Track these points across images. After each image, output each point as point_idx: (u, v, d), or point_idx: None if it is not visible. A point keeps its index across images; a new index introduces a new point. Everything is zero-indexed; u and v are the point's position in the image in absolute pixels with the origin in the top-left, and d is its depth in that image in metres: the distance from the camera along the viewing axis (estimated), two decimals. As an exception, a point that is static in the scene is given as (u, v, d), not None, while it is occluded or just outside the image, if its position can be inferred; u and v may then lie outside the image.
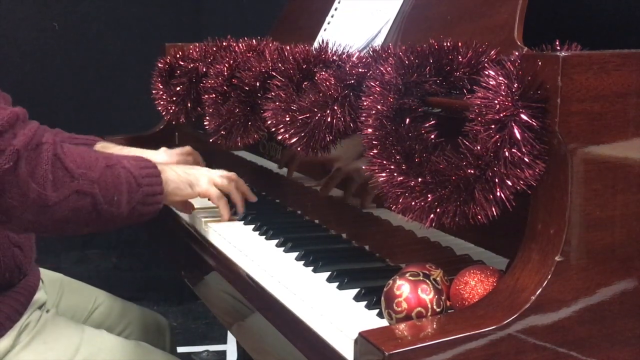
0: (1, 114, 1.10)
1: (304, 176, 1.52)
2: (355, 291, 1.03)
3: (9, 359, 1.29)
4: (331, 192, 1.37)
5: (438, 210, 0.89)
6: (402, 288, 0.88)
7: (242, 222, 1.41)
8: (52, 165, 1.12)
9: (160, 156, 1.61)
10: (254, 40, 1.58)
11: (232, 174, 1.45)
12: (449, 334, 0.77)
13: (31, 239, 1.42)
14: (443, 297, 0.89)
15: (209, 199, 1.42)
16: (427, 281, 0.88)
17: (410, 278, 0.89)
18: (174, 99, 1.65)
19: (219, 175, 1.41)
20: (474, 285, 0.88)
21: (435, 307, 0.87)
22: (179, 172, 1.35)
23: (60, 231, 1.23)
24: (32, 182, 1.09)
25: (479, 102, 0.84)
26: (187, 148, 1.68)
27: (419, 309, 0.86)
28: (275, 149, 1.61)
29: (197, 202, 1.55)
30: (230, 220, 1.42)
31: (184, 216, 1.53)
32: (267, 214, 1.46)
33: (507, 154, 0.81)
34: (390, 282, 0.90)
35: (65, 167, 1.13)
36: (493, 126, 0.82)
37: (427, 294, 0.87)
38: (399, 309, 0.87)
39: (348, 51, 1.25)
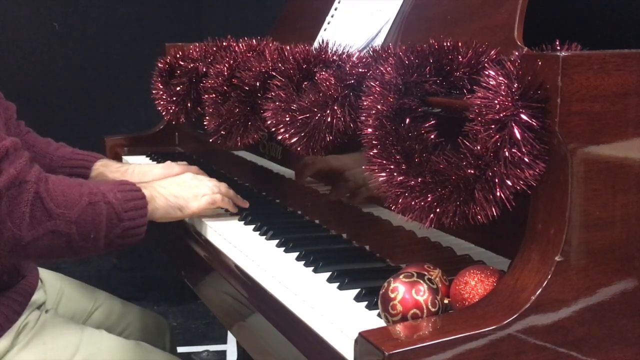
0: None
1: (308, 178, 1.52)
2: (355, 291, 1.02)
3: (8, 359, 1.29)
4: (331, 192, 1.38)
5: (438, 210, 0.90)
6: (396, 290, 0.88)
7: (243, 222, 1.41)
8: (32, 206, 1.14)
9: (157, 171, 1.59)
10: (254, 40, 1.58)
11: (222, 184, 1.43)
12: (449, 334, 0.77)
13: None
14: (439, 297, 0.89)
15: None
16: (421, 281, 0.88)
17: (404, 280, 0.89)
18: (174, 99, 1.65)
19: (209, 187, 1.40)
20: (474, 285, 0.88)
21: (430, 307, 0.87)
22: (168, 198, 1.35)
23: (34, 261, 1.31)
24: (9, 221, 1.12)
25: (479, 102, 0.84)
26: (193, 167, 1.63)
27: (414, 310, 0.87)
28: (275, 149, 1.61)
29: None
30: (235, 210, 1.42)
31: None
32: (267, 214, 1.46)
33: (507, 154, 0.81)
34: (385, 284, 0.90)
35: (44, 206, 1.15)
36: (493, 126, 0.82)
37: (421, 295, 0.87)
38: (394, 311, 0.87)
39: (348, 51, 1.25)
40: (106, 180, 1.33)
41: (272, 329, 1.04)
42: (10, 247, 1.14)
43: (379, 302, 0.90)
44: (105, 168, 1.61)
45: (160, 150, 2.06)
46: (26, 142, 1.60)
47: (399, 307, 0.87)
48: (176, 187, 1.38)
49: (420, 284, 0.88)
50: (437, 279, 0.92)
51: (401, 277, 0.89)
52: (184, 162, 1.66)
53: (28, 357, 1.31)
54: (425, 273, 0.92)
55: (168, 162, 1.64)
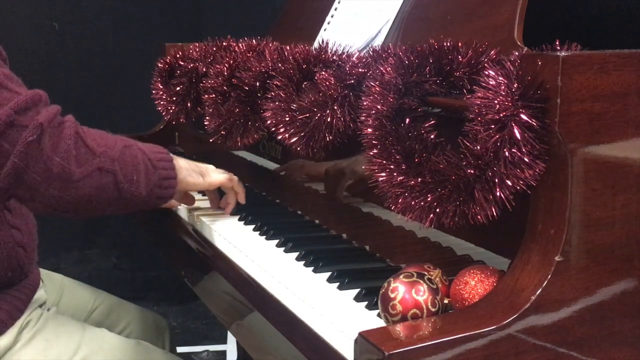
0: (25, 92, 1.13)
1: (305, 177, 1.52)
2: (355, 291, 1.03)
3: (10, 356, 1.30)
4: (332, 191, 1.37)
5: (438, 210, 0.90)
6: (396, 290, 0.88)
7: (243, 222, 1.41)
8: (75, 142, 1.14)
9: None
10: (254, 40, 1.58)
11: (233, 175, 1.47)
12: (449, 334, 0.77)
13: (34, 240, 1.42)
14: (438, 297, 0.89)
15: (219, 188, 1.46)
16: (421, 281, 0.88)
17: (404, 280, 0.89)
18: (174, 99, 1.65)
19: (222, 171, 1.44)
20: (474, 285, 0.88)
21: (430, 307, 0.87)
22: (189, 163, 1.39)
23: (83, 210, 1.20)
24: (56, 156, 1.11)
25: (479, 102, 0.84)
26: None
27: (414, 310, 0.87)
28: (275, 149, 1.61)
29: (197, 203, 1.55)
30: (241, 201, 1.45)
31: (184, 216, 1.54)
32: (267, 214, 1.46)
33: (507, 153, 0.81)
34: (385, 284, 0.90)
35: (86, 144, 1.16)
36: (493, 126, 0.82)
37: (421, 295, 0.87)
38: (394, 311, 0.87)
39: (348, 51, 1.25)
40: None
41: (272, 329, 1.04)
42: (61, 184, 1.12)
43: (379, 302, 0.90)
44: None
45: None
46: None
47: (399, 307, 0.87)
48: (195, 163, 1.42)
49: (420, 284, 0.88)
50: (437, 279, 0.92)
51: (401, 277, 0.89)
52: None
53: (30, 354, 1.31)
54: (425, 273, 0.92)
55: None
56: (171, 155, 1.32)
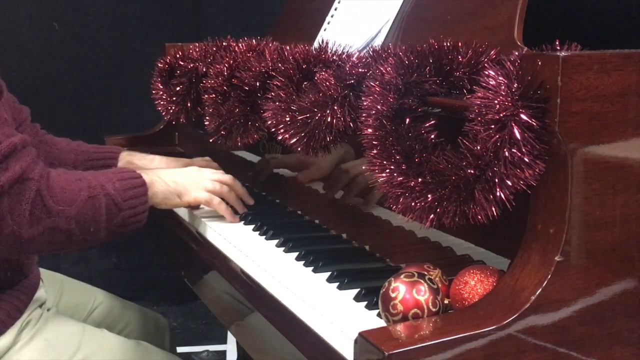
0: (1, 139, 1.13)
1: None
2: (355, 291, 1.02)
3: (10, 355, 1.30)
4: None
5: (438, 210, 0.89)
6: (397, 290, 0.88)
7: (242, 222, 1.41)
8: (32, 204, 1.15)
9: (179, 164, 1.63)
10: (254, 40, 1.58)
11: (227, 178, 1.45)
12: (449, 334, 0.77)
13: None
14: (439, 297, 0.89)
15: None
16: (422, 281, 0.88)
17: (405, 279, 0.89)
18: (174, 99, 1.65)
19: (210, 180, 1.42)
20: (474, 285, 0.88)
21: (431, 307, 0.87)
22: (168, 183, 1.37)
23: (34, 255, 1.35)
24: (10, 218, 1.13)
25: (478, 102, 0.84)
26: (207, 159, 1.69)
27: (415, 310, 0.87)
28: (275, 149, 1.61)
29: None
30: (233, 218, 1.42)
31: (184, 216, 1.53)
32: (267, 214, 1.46)
33: (507, 153, 0.81)
34: (386, 284, 0.90)
35: (45, 204, 1.16)
36: (493, 126, 0.82)
37: (422, 295, 0.87)
38: (395, 311, 0.87)
39: (348, 51, 1.25)
40: (106, 170, 1.34)
41: (272, 329, 1.04)
42: (10, 243, 1.15)
43: (380, 301, 0.90)
44: (132, 157, 1.65)
45: (160, 151, 2.06)
46: (46, 142, 1.63)
47: (400, 307, 0.87)
48: (177, 175, 1.41)
49: (421, 284, 0.88)
50: (437, 279, 0.92)
51: (402, 276, 0.89)
52: (208, 158, 1.70)
53: (30, 354, 1.31)
54: (426, 273, 0.92)
55: (191, 160, 1.68)
56: (148, 181, 1.32)
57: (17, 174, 1.13)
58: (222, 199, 1.42)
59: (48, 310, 1.43)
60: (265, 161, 1.64)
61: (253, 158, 1.76)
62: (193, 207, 1.47)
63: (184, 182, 1.39)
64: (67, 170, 1.27)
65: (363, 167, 1.13)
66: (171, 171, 1.43)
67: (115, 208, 1.25)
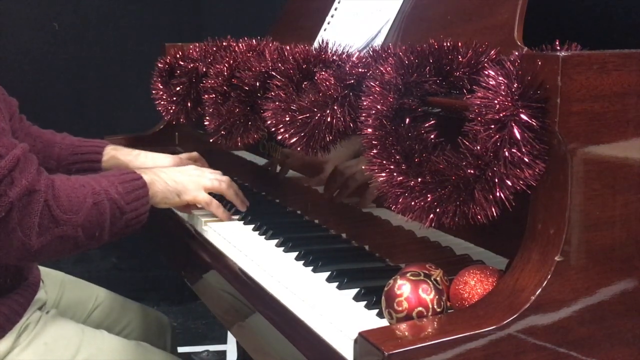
0: (1, 160, 1.13)
1: (303, 176, 1.52)
2: (355, 291, 1.02)
3: None
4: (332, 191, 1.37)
5: (438, 210, 0.89)
6: (403, 288, 0.88)
7: (242, 222, 1.41)
8: (40, 216, 1.16)
9: (166, 160, 1.63)
10: (254, 40, 1.58)
11: (225, 178, 1.45)
12: (449, 334, 0.77)
13: None
14: (444, 297, 0.89)
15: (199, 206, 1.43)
16: (428, 281, 0.88)
17: (412, 278, 0.88)
18: (174, 99, 1.65)
19: (210, 179, 1.43)
20: (474, 285, 0.87)
21: (435, 307, 0.87)
22: (167, 182, 1.38)
23: (43, 262, 1.40)
24: (19, 231, 1.14)
25: (478, 102, 0.84)
26: (194, 154, 1.69)
27: (420, 308, 0.86)
28: (275, 149, 1.61)
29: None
30: (229, 219, 1.42)
31: (184, 216, 1.53)
32: (267, 213, 1.46)
33: (507, 153, 0.81)
34: (391, 281, 0.90)
35: (52, 214, 1.17)
36: (493, 126, 0.82)
37: (427, 294, 0.87)
38: (400, 308, 0.87)
39: (348, 51, 1.25)
40: (107, 172, 1.34)
41: (272, 329, 1.04)
42: (20, 255, 1.16)
43: (383, 299, 0.90)
44: (117, 151, 1.65)
45: (160, 151, 2.06)
46: (31, 134, 1.62)
47: (405, 304, 0.87)
48: (177, 174, 1.41)
49: (427, 283, 0.88)
50: (439, 279, 0.92)
51: (408, 274, 0.89)
52: (195, 153, 1.69)
53: (29, 358, 1.30)
54: (430, 273, 0.92)
55: (178, 156, 1.68)
56: (149, 181, 1.32)
57: (24, 187, 1.14)
58: (222, 196, 1.43)
59: (47, 313, 1.43)
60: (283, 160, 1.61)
61: (253, 158, 1.76)
62: (191, 206, 1.47)
63: (183, 180, 1.40)
64: (67, 176, 1.27)
65: (359, 166, 1.14)
66: (170, 170, 1.43)
67: (119, 212, 1.26)
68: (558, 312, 0.82)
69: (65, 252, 1.23)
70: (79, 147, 1.64)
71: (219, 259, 1.31)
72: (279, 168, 1.61)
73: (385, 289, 0.90)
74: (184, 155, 1.67)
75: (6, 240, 1.14)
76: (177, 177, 1.40)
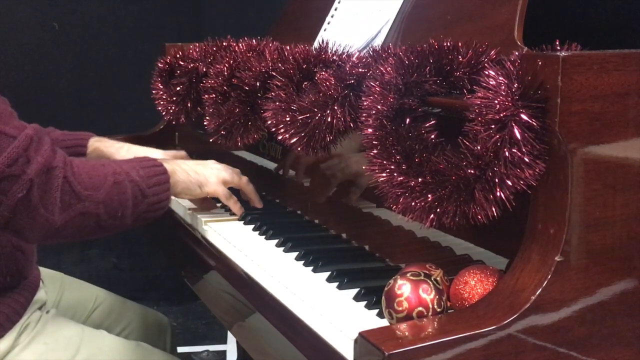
0: (14, 140, 1.13)
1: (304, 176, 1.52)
2: (355, 291, 1.02)
3: (9, 359, 1.29)
4: (331, 191, 1.37)
5: (438, 210, 0.89)
6: (403, 287, 0.88)
7: (242, 222, 1.41)
8: (61, 191, 1.16)
9: (156, 154, 1.61)
10: (254, 40, 1.58)
11: (244, 178, 1.47)
12: (449, 334, 0.77)
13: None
14: (444, 298, 0.89)
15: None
16: (429, 281, 0.88)
17: (412, 278, 0.88)
18: (174, 99, 1.65)
19: (230, 173, 1.44)
20: (474, 285, 0.87)
21: (436, 307, 0.87)
22: (189, 173, 1.38)
23: (66, 241, 1.32)
24: (41, 207, 1.14)
25: (479, 102, 0.84)
26: (182, 153, 1.68)
27: (420, 308, 0.86)
28: (275, 149, 1.61)
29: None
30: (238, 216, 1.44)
31: (184, 216, 1.54)
32: (267, 213, 1.46)
33: (507, 153, 0.81)
34: (392, 281, 0.90)
35: (73, 190, 1.17)
36: (493, 126, 0.82)
37: (428, 294, 0.87)
38: (400, 308, 0.87)
39: (348, 51, 1.25)
40: (125, 159, 1.35)
41: (272, 329, 1.04)
42: (44, 232, 1.17)
43: (384, 298, 0.90)
44: (100, 143, 1.65)
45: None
46: None
47: (405, 304, 0.87)
48: (198, 166, 1.42)
49: (427, 283, 0.88)
50: (439, 279, 0.92)
51: (409, 274, 0.89)
52: (183, 152, 1.69)
53: (29, 357, 1.31)
54: (430, 273, 0.92)
55: (165, 151, 1.67)
56: (170, 170, 1.33)
57: (40, 164, 1.14)
58: (239, 190, 1.45)
59: (47, 312, 1.43)
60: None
61: (253, 158, 1.76)
62: (209, 201, 1.49)
63: (205, 172, 1.40)
64: (86, 159, 1.28)
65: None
66: (191, 162, 1.44)
67: (141, 194, 1.26)
68: (558, 312, 0.82)
69: (88, 230, 1.22)
70: (63, 141, 1.63)
71: (219, 259, 1.31)
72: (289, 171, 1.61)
73: (386, 289, 0.90)
74: (170, 153, 1.66)
75: (30, 218, 1.14)
76: (199, 169, 1.40)
